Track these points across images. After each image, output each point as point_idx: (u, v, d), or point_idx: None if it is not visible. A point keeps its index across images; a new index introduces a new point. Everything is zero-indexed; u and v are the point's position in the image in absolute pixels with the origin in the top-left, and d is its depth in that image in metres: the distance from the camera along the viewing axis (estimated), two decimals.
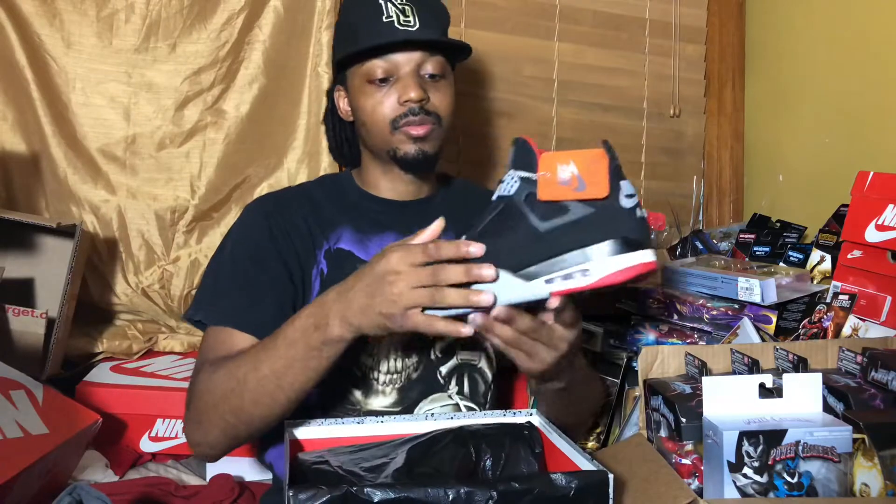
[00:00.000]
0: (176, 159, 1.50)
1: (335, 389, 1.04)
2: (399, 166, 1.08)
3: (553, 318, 0.85)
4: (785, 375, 0.91)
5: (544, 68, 1.75)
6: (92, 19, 1.45)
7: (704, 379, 0.90)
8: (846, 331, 1.16)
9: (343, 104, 1.14)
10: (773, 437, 0.83)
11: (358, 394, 1.04)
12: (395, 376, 1.05)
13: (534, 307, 0.85)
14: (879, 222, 1.16)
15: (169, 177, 1.50)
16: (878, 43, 1.48)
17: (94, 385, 1.34)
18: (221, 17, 1.50)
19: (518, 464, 0.89)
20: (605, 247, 0.79)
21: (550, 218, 0.81)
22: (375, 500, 0.71)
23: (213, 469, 1.30)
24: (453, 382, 1.08)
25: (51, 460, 1.01)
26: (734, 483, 0.84)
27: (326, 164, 1.55)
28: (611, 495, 0.75)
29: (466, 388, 1.08)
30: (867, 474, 0.83)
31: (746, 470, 0.84)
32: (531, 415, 0.98)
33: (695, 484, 0.91)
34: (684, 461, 0.93)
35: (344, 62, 1.09)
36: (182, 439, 1.32)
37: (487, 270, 0.79)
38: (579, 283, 0.80)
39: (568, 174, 0.80)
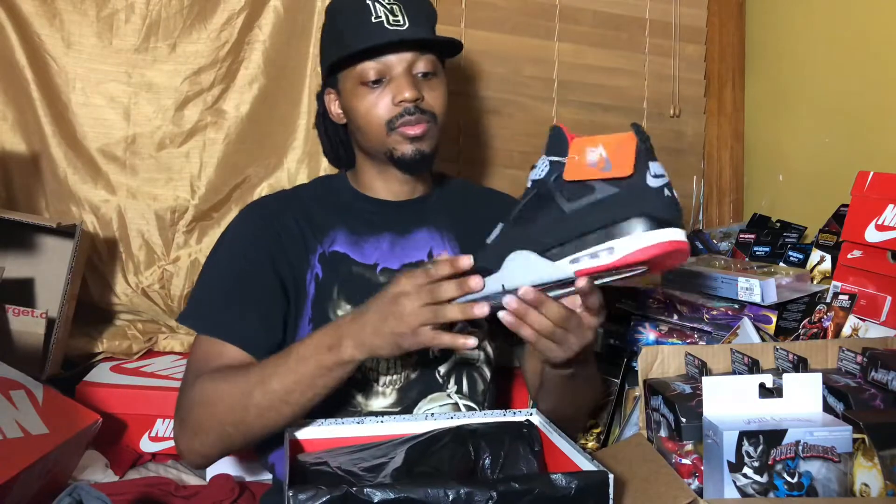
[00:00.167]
0: (176, 159, 1.50)
1: (336, 393, 1.04)
2: (397, 167, 1.08)
3: (581, 304, 0.86)
4: (785, 375, 0.91)
5: (544, 68, 1.75)
6: (92, 19, 1.45)
7: (704, 379, 0.90)
8: (846, 331, 1.16)
9: (334, 107, 1.13)
10: (773, 437, 0.83)
11: (359, 396, 1.04)
12: (394, 377, 1.05)
13: (561, 296, 0.86)
14: (879, 222, 1.16)
15: (169, 177, 1.50)
16: (878, 43, 1.48)
17: (94, 385, 1.34)
18: (221, 17, 1.50)
19: (517, 462, 0.89)
20: (630, 224, 0.78)
21: (577, 198, 0.82)
22: (375, 501, 0.71)
23: (213, 469, 1.30)
24: (452, 381, 1.08)
25: (51, 460, 1.01)
26: (734, 483, 0.84)
27: (326, 165, 1.54)
28: (611, 495, 0.75)
29: (465, 387, 1.08)
30: (867, 474, 0.83)
31: (746, 470, 0.84)
32: (531, 414, 0.98)
33: (695, 484, 0.91)
34: (684, 461, 0.93)
35: (334, 66, 1.08)
36: None
37: (474, 282, 0.84)
38: (604, 261, 0.80)
39: (596, 156, 0.80)
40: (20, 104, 1.42)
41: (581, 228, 0.81)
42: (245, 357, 1.01)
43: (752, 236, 1.52)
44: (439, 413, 1.03)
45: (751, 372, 1.00)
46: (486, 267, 0.85)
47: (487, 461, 0.89)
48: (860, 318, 1.16)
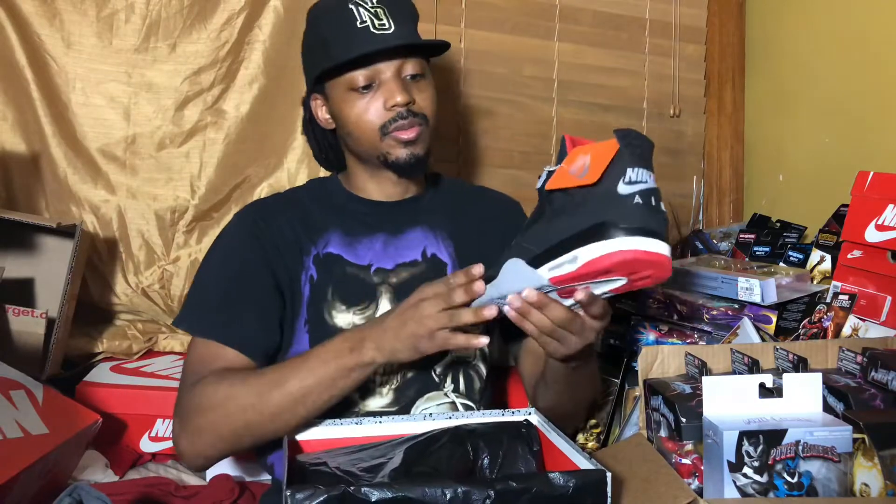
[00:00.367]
0: (176, 159, 1.50)
1: None
2: (391, 171, 1.08)
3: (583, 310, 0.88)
4: (785, 375, 0.91)
5: (544, 68, 1.75)
6: (92, 19, 1.45)
7: (704, 379, 0.90)
8: (846, 331, 1.16)
9: (322, 113, 1.13)
10: (773, 436, 0.83)
11: (355, 396, 1.04)
12: (390, 376, 1.05)
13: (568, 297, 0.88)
14: (879, 222, 1.16)
15: (169, 177, 1.50)
16: (878, 43, 1.48)
17: (94, 385, 1.34)
18: (221, 17, 1.50)
19: (516, 462, 0.89)
20: (594, 232, 0.77)
21: (559, 207, 0.83)
22: (373, 500, 0.71)
23: (213, 469, 1.29)
24: (449, 380, 1.08)
25: (51, 460, 1.01)
26: (734, 483, 0.84)
27: None
28: (608, 494, 0.75)
29: (462, 386, 1.09)
30: (867, 474, 0.83)
31: (746, 470, 0.84)
32: (529, 414, 0.98)
33: (695, 484, 0.91)
34: (684, 461, 0.93)
35: (322, 74, 1.08)
36: None
37: (477, 287, 0.89)
38: (568, 269, 0.80)
39: (580, 164, 0.80)
40: (20, 104, 1.42)
41: (558, 236, 0.81)
42: (243, 359, 1.01)
43: (752, 236, 1.52)
44: (437, 412, 1.03)
45: (751, 372, 1.00)
46: (492, 275, 0.89)
47: (486, 461, 0.89)
48: (860, 318, 1.16)
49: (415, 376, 1.06)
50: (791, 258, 1.39)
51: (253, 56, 1.53)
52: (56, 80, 1.44)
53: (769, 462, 0.83)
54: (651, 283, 0.81)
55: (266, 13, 1.53)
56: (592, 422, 1.32)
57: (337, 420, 0.96)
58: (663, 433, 0.97)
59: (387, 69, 1.04)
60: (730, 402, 0.89)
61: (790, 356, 1.01)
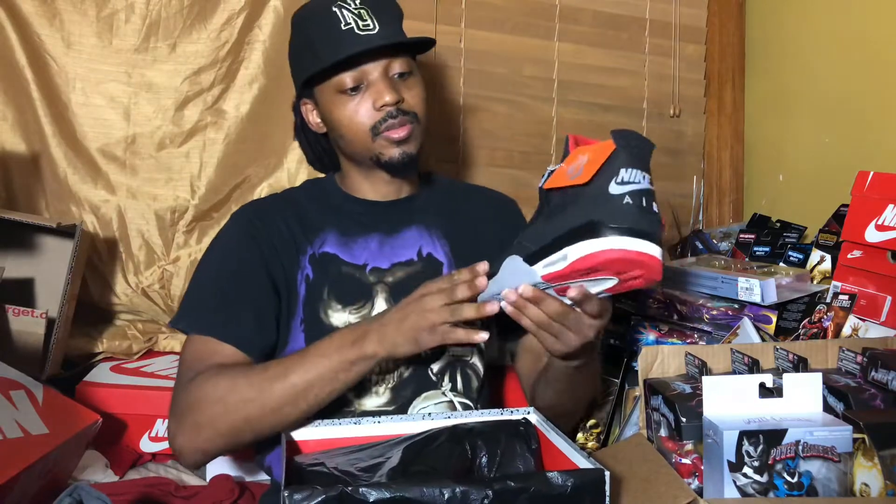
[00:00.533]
0: (176, 159, 1.50)
1: None
2: (384, 170, 1.09)
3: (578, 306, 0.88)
4: (785, 375, 0.91)
5: (544, 68, 1.75)
6: (92, 19, 1.45)
7: (704, 379, 0.90)
8: (846, 331, 1.16)
9: (312, 117, 1.13)
10: (773, 436, 0.83)
11: (351, 395, 1.04)
12: (386, 376, 1.05)
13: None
14: (879, 222, 1.16)
15: (169, 177, 1.50)
16: (878, 43, 1.48)
17: (94, 385, 1.34)
18: (221, 17, 1.50)
19: (514, 460, 0.89)
20: (583, 231, 0.78)
21: (555, 205, 0.83)
22: (371, 500, 0.71)
23: (213, 469, 1.30)
24: (446, 379, 1.08)
25: (51, 460, 1.01)
26: (734, 483, 0.84)
27: None
28: (607, 493, 0.75)
29: (459, 384, 1.08)
30: (867, 474, 0.83)
31: (746, 469, 0.83)
32: (528, 413, 0.98)
33: (695, 483, 0.91)
34: (684, 461, 0.93)
35: (309, 78, 1.08)
36: None
37: (479, 282, 0.89)
38: (559, 266, 0.81)
39: (577, 163, 0.81)
40: (20, 104, 1.42)
41: (552, 234, 0.82)
42: (240, 356, 1.01)
43: (752, 236, 1.52)
44: (435, 411, 1.03)
45: (751, 372, 1.00)
46: (493, 272, 0.90)
47: (484, 460, 0.89)
48: (860, 318, 1.16)
49: (411, 375, 1.06)
50: (791, 258, 1.39)
51: (253, 56, 1.53)
52: (56, 80, 1.44)
53: (769, 462, 0.83)
54: (643, 283, 0.81)
55: (266, 13, 1.53)
56: (592, 422, 1.32)
57: (335, 420, 0.96)
58: (663, 433, 0.97)
59: (374, 69, 1.05)
60: (730, 401, 0.89)
61: (790, 356, 1.01)
